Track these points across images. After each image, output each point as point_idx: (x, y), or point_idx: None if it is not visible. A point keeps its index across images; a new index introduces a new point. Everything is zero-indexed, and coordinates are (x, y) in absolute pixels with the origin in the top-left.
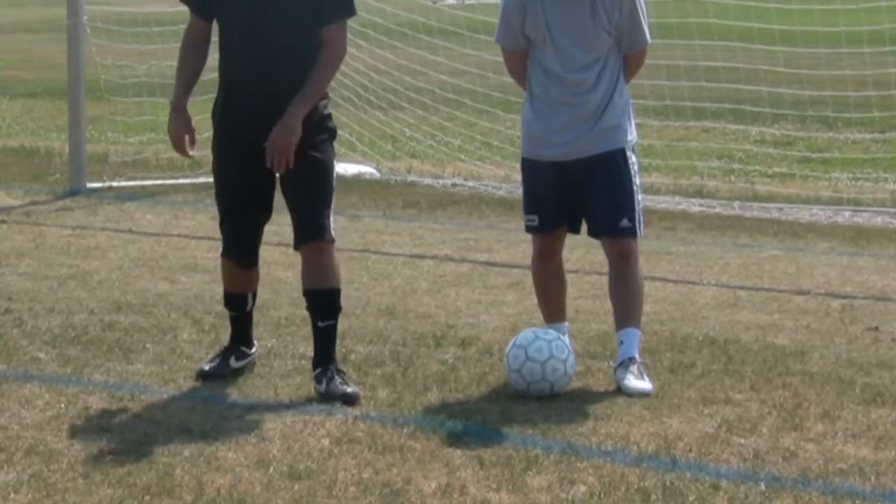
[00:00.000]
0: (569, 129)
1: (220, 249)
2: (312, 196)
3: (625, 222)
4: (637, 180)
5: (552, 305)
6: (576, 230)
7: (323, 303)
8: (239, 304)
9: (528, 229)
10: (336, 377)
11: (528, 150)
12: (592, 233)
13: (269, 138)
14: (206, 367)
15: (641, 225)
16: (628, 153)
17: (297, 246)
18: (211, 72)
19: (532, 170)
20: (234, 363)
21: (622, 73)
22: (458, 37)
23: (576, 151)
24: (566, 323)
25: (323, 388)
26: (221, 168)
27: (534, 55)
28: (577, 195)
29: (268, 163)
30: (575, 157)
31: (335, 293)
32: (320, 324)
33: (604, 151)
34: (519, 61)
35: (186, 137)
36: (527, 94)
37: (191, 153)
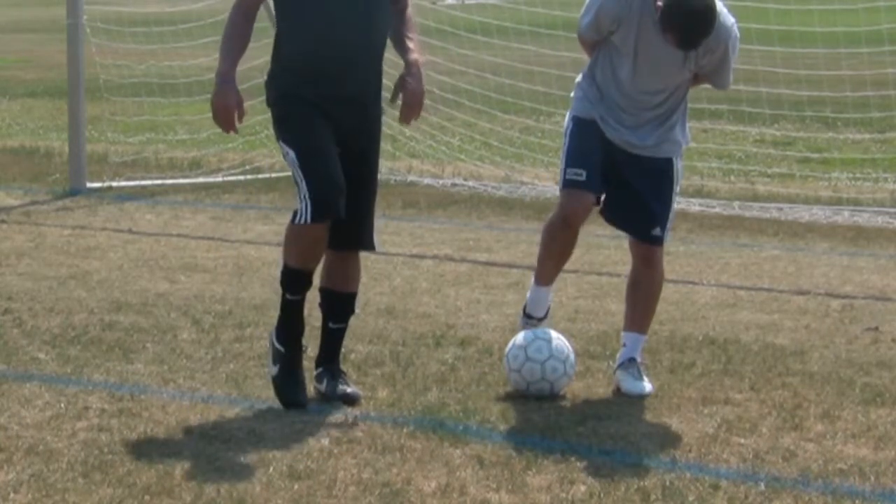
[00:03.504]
0: (626, 127)
1: (315, 214)
2: (363, 203)
3: (657, 231)
4: (677, 188)
5: (552, 269)
6: (597, 201)
7: (340, 305)
8: (308, 283)
9: (571, 184)
10: (339, 380)
11: (584, 112)
12: (609, 218)
13: (406, 86)
14: (303, 399)
15: (669, 233)
16: (676, 162)
17: (333, 248)
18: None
19: (585, 127)
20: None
21: (685, 96)
22: (456, 37)
23: (625, 144)
24: (553, 286)
25: (324, 387)
26: (311, 128)
27: (609, 53)
28: (617, 174)
29: (400, 114)
30: (624, 147)
31: (354, 297)
32: (332, 325)
33: (651, 157)
34: (595, 45)
35: (236, 113)
36: (588, 70)
37: (238, 125)
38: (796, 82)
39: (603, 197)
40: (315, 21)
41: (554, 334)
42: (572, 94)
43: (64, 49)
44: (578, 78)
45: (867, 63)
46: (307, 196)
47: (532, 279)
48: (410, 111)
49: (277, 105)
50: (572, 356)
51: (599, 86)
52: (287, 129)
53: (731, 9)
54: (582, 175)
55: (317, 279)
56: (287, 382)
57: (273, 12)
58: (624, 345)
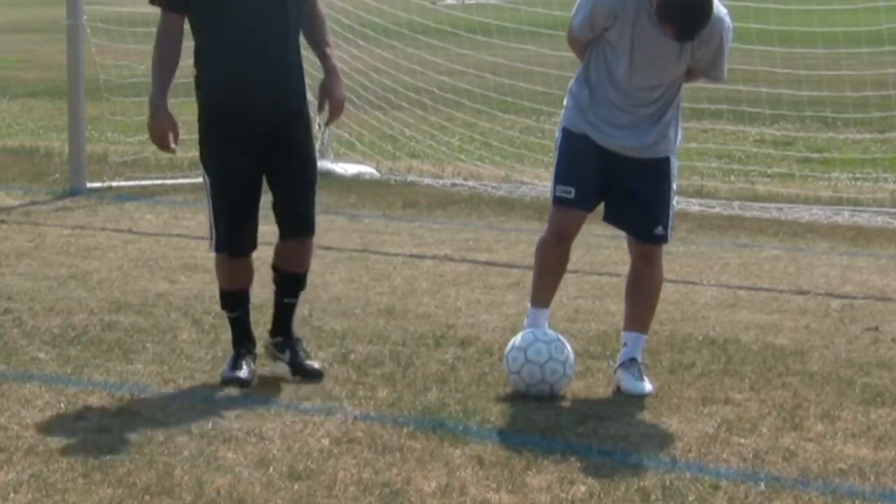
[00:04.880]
0: (621, 128)
1: (218, 248)
2: (305, 190)
3: (659, 230)
4: (675, 185)
5: (547, 288)
6: (605, 216)
7: (296, 283)
8: (244, 300)
9: (560, 202)
10: (300, 350)
11: (574, 124)
12: (611, 222)
13: (332, 94)
14: (246, 375)
15: (670, 230)
16: (672, 160)
17: (286, 238)
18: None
19: (577, 142)
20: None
21: (679, 93)
22: (456, 37)
23: (621, 148)
24: (549, 309)
25: (287, 357)
26: (223, 160)
27: (603, 51)
28: (616, 180)
29: (324, 119)
30: (619, 151)
31: (305, 275)
32: (287, 300)
33: (648, 158)
34: (586, 45)
35: (171, 135)
36: (582, 71)
37: (173, 147)
38: (796, 82)
39: (604, 203)
40: (230, 29)
41: (553, 335)
42: (564, 102)
43: (64, 49)
44: (571, 83)
45: (867, 63)
46: (214, 232)
47: (528, 304)
48: (334, 116)
49: (201, 120)
50: (572, 357)
51: (594, 86)
52: (206, 154)
53: (729, 7)
54: (571, 193)
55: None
56: (229, 376)
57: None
58: (624, 344)
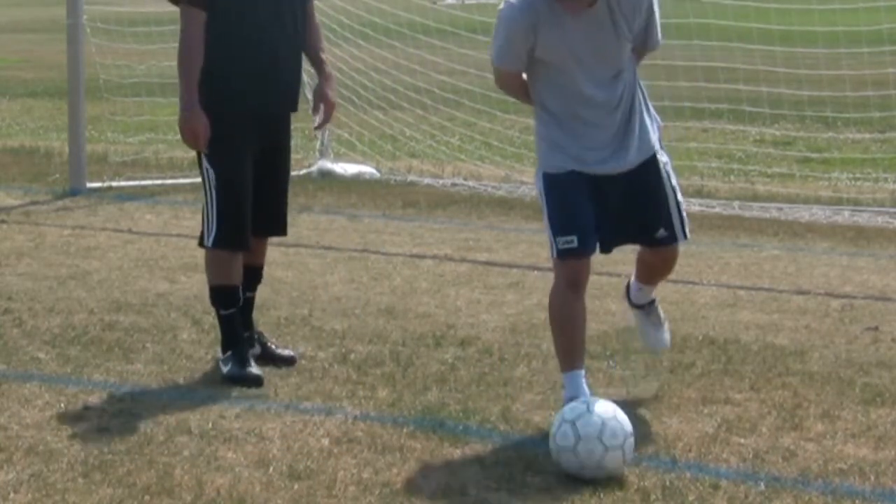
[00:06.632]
0: (603, 148)
1: (219, 243)
2: (286, 192)
3: (661, 233)
4: (672, 182)
5: (578, 346)
6: (606, 249)
7: (257, 277)
8: (238, 297)
9: (565, 254)
10: (268, 342)
11: (554, 166)
12: (612, 244)
13: (328, 98)
14: (259, 372)
15: (683, 227)
16: (657, 156)
17: (259, 235)
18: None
19: (563, 184)
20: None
21: (635, 77)
22: (457, 37)
23: (612, 167)
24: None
25: (258, 351)
26: (236, 155)
27: (550, 76)
28: (610, 208)
29: (318, 121)
30: (612, 172)
31: (263, 267)
32: (248, 294)
33: (638, 162)
34: (517, 79)
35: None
36: (540, 111)
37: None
38: (796, 82)
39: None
40: (247, 23)
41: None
42: (535, 147)
43: (64, 49)
44: (535, 126)
45: (867, 63)
46: (215, 226)
47: (560, 370)
48: (326, 120)
49: (209, 112)
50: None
51: (559, 117)
52: (213, 148)
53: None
54: (573, 241)
55: None
56: (242, 374)
57: None
58: (639, 289)
